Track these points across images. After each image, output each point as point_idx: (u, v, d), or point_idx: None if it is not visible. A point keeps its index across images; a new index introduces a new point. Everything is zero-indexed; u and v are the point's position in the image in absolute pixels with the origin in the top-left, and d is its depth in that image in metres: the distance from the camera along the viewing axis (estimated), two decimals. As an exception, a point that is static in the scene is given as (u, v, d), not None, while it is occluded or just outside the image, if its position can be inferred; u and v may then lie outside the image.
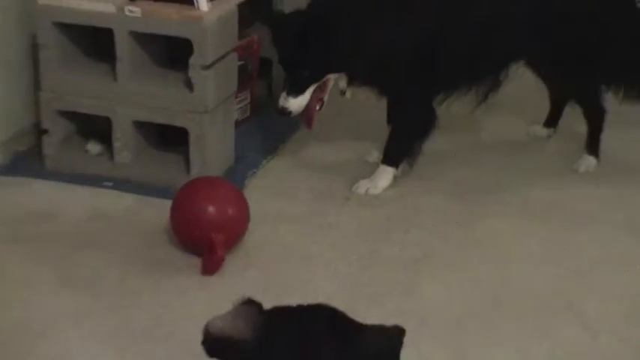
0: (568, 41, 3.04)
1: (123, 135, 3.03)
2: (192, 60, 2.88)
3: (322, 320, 1.45)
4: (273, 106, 3.01)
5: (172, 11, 2.88)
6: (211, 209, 2.62)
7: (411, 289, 2.57)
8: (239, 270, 2.61)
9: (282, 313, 1.45)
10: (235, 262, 2.64)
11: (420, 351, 2.21)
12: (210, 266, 2.58)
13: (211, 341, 1.40)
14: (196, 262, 2.61)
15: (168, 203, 2.69)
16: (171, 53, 3.08)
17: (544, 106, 3.46)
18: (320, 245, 2.77)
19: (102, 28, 2.94)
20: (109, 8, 2.91)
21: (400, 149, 3.11)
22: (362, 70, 2.94)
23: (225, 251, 2.60)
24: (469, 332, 2.39)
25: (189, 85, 2.92)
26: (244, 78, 3.28)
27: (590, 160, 3.26)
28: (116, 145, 3.04)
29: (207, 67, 2.90)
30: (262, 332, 1.39)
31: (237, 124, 3.23)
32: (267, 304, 1.46)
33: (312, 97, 2.91)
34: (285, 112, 2.91)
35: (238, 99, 3.29)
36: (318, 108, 2.98)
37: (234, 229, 2.67)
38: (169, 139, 3.12)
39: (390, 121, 3.18)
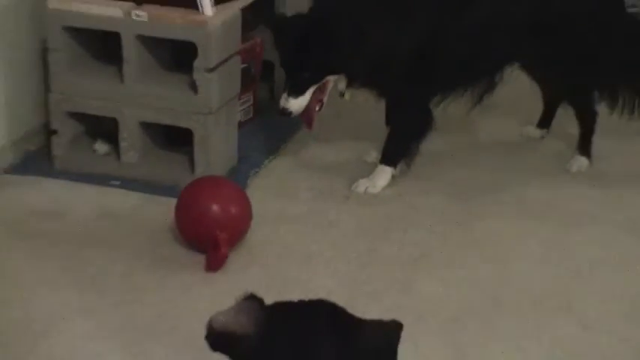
0: (561, 45, 3.03)
1: (129, 135, 3.03)
2: (196, 63, 2.88)
3: (322, 315, 1.44)
4: (275, 107, 3.00)
5: (178, 16, 2.88)
6: (215, 208, 2.62)
7: (408, 287, 2.57)
8: (242, 267, 2.61)
9: (284, 308, 1.45)
10: (238, 259, 2.64)
11: (417, 345, 2.21)
12: (214, 263, 2.58)
13: (214, 336, 1.40)
14: (200, 259, 2.61)
15: (173, 202, 2.69)
16: (177, 56, 3.08)
17: (537, 108, 3.45)
18: (320, 243, 2.76)
19: (110, 32, 2.94)
20: (117, 13, 2.91)
21: (398, 149, 3.11)
22: (361, 72, 2.94)
23: (229, 249, 2.60)
24: (466, 329, 2.39)
25: (193, 87, 2.92)
26: (247, 80, 3.28)
27: (582, 161, 3.26)
28: (123, 145, 3.04)
29: (212, 70, 2.90)
30: (264, 327, 1.39)
31: (241, 125, 3.23)
32: (269, 300, 1.46)
33: (312, 98, 2.91)
34: (285, 113, 2.91)
35: (241, 101, 3.28)
36: (317, 109, 2.98)
37: (238, 227, 2.66)
38: (175, 139, 3.12)
39: (388, 122, 3.18)
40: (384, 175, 3.09)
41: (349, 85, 3.00)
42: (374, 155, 3.19)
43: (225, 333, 1.39)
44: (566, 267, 2.69)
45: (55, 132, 3.09)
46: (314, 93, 2.91)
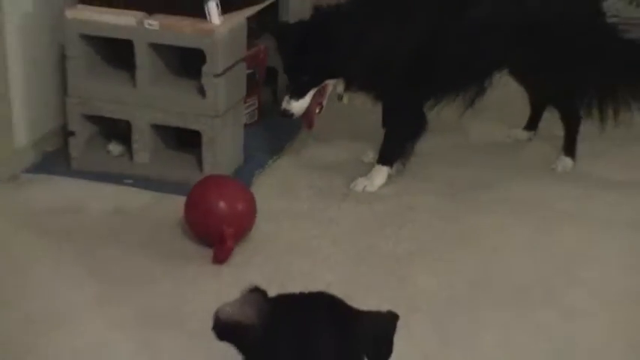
0: (547, 52, 3.02)
1: (141, 137, 3.02)
2: (204, 69, 2.88)
3: (322, 307, 1.45)
4: (278, 110, 3.01)
5: (187, 24, 2.88)
6: (222, 204, 2.62)
7: (404, 280, 2.56)
8: (247, 260, 2.61)
9: (286, 300, 1.45)
10: (243, 253, 2.63)
11: (411, 335, 2.21)
12: (221, 256, 2.58)
13: (221, 326, 1.40)
14: (208, 252, 2.60)
15: (182, 199, 2.69)
16: (186, 62, 3.07)
17: (525, 112, 3.45)
18: (320, 239, 2.76)
19: (123, 40, 2.94)
20: (130, 22, 2.91)
21: (394, 150, 3.10)
22: (358, 77, 2.95)
23: (235, 243, 2.60)
24: (457, 319, 2.39)
25: (201, 91, 2.92)
26: (252, 85, 3.28)
27: (566, 161, 3.25)
28: (135, 146, 3.04)
29: (219, 75, 2.89)
30: (268, 318, 1.39)
31: (246, 127, 3.22)
32: (272, 292, 1.46)
33: (312, 100, 2.92)
34: (287, 114, 2.92)
35: (247, 104, 3.28)
36: (317, 111, 2.99)
37: (243, 223, 2.66)
38: (184, 140, 3.11)
39: (384, 124, 3.17)
40: (381, 174, 3.09)
41: (347, 88, 3.01)
42: (371, 155, 3.19)
43: (231, 323, 1.39)
44: (550, 261, 2.69)
45: (72, 134, 3.08)
46: (314, 96, 2.92)
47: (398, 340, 1.44)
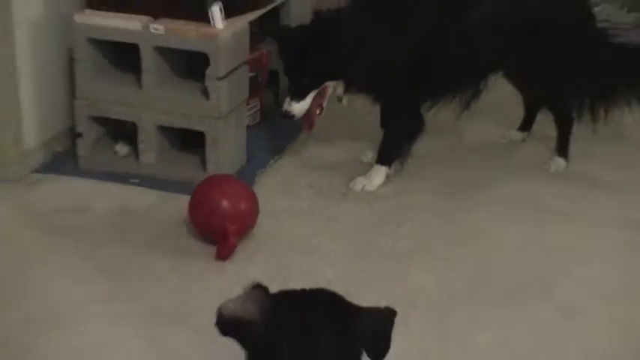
0: (540, 56, 3.02)
1: (147, 138, 3.02)
2: (208, 71, 2.87)
3: (323, 303, 1.44)
4: (279, 112, 3.00)
5: (191, 29, 2.88)
6: (225, 203, 2.62)
7: (402, 276, 2.55)
8: (249, 257, 2.60)
9: (288, 296, 1.45)
10: (246, 250, 2.63)
11: (410, 331, 2.20)
12: (224, 253, 2.57)
13: (224, 322, 1.40)
14: (212, 249, 2.60)
15: (187, 198, 2.68)
16: (190, 65, 3.07)
17: (519, 113, 3.44)
18: (321, 237, 2.75)
19: (130, 44, 2.93)
20: (136, 26, 2.90)
21: (392, 150, 3.10)
22: (357, 79, 2.95)
23: (237, 240, 2.59)
24: (453, 315, 2.38)
25: (205, 93, 2.91)
26: (254, 88, 3.27)
27: (559, 162, 3.25)
28: (141, 146, 3.03)
29: (222, 78, 2.89)
30: (269, 313, 1.39)
31: (248, 128, 3.22)
32: (274, 289, 1.45)
33: (312, 102, 2.91)
34: (288, 116, 2.92)
35: (249, 106, 3.27)
36: (318, 112, 2.98)
37: (246, 221, 2.66)
38: (188, 141, 3.11)
39: (382, 125, 3.17)
40: (380, 173, 3.08)
41: (347, 91, 3.00)
42: (370, 156, 3.18)
43: (233, 319, 1.39)
44: (544, 258, 2.68)
45: (80, 135, 3.08)
46: (314, 98, 2.91)
47: (396, 336, 1.44)
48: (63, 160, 3.14)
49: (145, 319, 2.32)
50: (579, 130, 3.23)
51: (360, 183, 3.06)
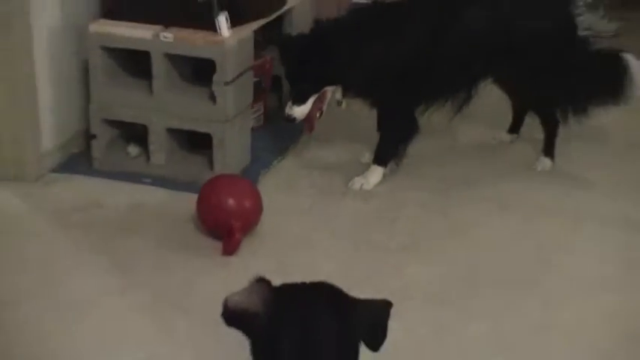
0: (527, 64, 3.01)
1: (157, 139, 3.00)
2: (215, 77, 2.86)
3: (323, 295, 1.43)
4: (282, 114, 2.99)
5: (199, 37, 2.87)
6: (231, 201, 2.60)
7: (398, 270, 2.54)
8: (253, 252, 2.59)
9: (289, 289, 1.44)
10: (250, 245, 2.61)
11: (404, 321, 2.18)
12: (230, 248, 2.56)
13: (229, 313, 1.39)
14: (218, 245, 2.58)
15: (195, 196, 2.67)
16: (198, 71, 3.06)
17: (508, 116, 3.43)
18: (321, 233, 2.74)
19: (141, 51, 2.92)
20: (147, 35, 2.89)
21: (388, 151, 3.08)
22: (355, 84, 2.94)
23: (242, 236, 2.58)
24: (446, 307, 2.37)
25: (212, 98, 2.90)
26: (259, 92, 3.26)
27: (546, 162, 3.23)
28: (152, 148, 3.02)
29: (228, 83, 2.88)
30: (272, 306, 1.38)
31: (253, 130, 3.20)
32: (277, 282, 1.44)
33: (313, 106, 2.90)
34: (290, 119, 2.91)
35: (253, 110, 3.26)
36: (318, 116, 2.97)
37: (250, 218, 2.64)
38: (196, 143, 3.10)
39: (379, 127, 3.15)
40: (377, 173, 3.07)
41: (345, 95, 3.00)
42: (367, 156, 3.17)
43: (238, 311, 1.38)
44: (532, 252, 2.67)
45: (94, 137, 3.07)
46: (314, 102, 2.90)
47: (392, 326, 1.42)
48: (78, 160, 3.13)
49: (155, 309, 2.31)
50: (564, 132, 3.22)
51: (358, 182, 3.04)
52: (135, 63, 3.04)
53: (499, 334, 2.27)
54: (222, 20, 2.85)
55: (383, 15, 2.95)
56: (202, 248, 2.60)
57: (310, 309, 1.39)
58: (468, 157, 3.31)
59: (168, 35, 2.88)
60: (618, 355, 2.22)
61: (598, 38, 3.40)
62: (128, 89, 3.03)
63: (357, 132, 3.39)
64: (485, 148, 3.39)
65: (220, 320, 1.39)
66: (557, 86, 3.09)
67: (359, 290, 1.45)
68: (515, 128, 3.44)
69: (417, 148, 3.14)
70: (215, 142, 2.94)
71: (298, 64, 2.87)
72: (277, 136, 3.34)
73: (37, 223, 2.74)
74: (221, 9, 2.86)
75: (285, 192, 3.00)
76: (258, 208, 2.68)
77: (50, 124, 3.06)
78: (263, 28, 3.13)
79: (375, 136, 3.12)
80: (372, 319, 1.42)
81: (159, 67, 2.92)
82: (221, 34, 2.86)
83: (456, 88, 3.08)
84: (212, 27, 2.85)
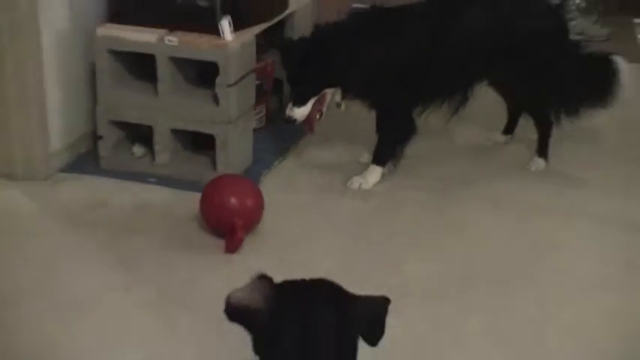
0: (521, 68, 3.00)
1: (162, 140, 2.99)
2: (218, 80, 2.85)
3: (323, 292, 1.43)
4: (283, 116, 2.98)
5: (203, 40, 2.85)
6: (233, 200, 2.59)
7: (396, 267, 2.53)
8: (255, 250, 2.58)
9: (290, 286, 1.43)
10: (252, 243, 2.60)
11: (402, 317, 2.16)
12: (232, 246, 2.55)
13: (232, 309, 1.39)
14: (221, 243, 2.57)
15: (198, 195, 2.66)
16: (202, 74, 3.05)
17: (502, 118, 3.42)
18: (321, 231, 2.73)
19: (147, 54, 2.91)
20: (152, 38, 2.88)
21: (387, 152, 3.07)
22: (354, 87, 2.93)
23: (244, 234, 2.57)
24: (443, 303, 2.36)
25: (216, 100, 2.89)
26: (260, 94, 3.25)
27: (539, 162, 3.22)
28: (157, 148, 3.01)
29: (231, 86, 2.86)
30: (273, 302, 1.37)
31: (255, 131, 3.19)
32: (278, 278, 1.43)
33: (312, 108, 2.89)
34: (291, 120, 2.90)
35: (256, 111, 3.25)
36: (318, 117, 2.96)
37: (252, 217, 2.63)
38: (200, 143, 3.09)
39: (377, 129, 3.14)
40: (375, 173, 3.06)
41: (344, 97, 2.98)
42: (366, 156, 3.16)
43: (240, 307, 1.37)
44: (526, 249, 2.66)
45: (101, 137, 3.06)
46: (314, 104, 2.89)
47: (391, 322, 1.41)
48: (85, 160, 3.12)
49: (159, 305, 2.30)
50: (557, 133, 3.21)
51: (357, 182, 3.03)
52: (140, 66, 3.03)
53: (496, 330, 2.25)
54: (226, 24, 2.84)
55: (381, 20, 2.94)
56: (205, 246, 2.59)
57: (310, 305, 1.38)
58: (464, 158, 3.30)
59: (172, 39, 2.87)
60: (608, 344, 2.21)
61: (590, 42, 3.39)
62: (134, 91, 3.02)
63: (355, 133, 3.38)
64: (481, 149, 3.38)
65: (223, 316, 1.38)
66: (550, 88, 3.08)
67: (358, 287, 1.44)
68: (509, 129, 3.43)
69: (414, 148, 3.13)
70: (218, 142, 2.93)
71: (299, 67, 2.86)
72: (278, 137, 3.33)
73: (46, 221, 2.73)
74: (224, 13, 2.85)
75: (285, 191, 2.99)
76: (259, 207, 2.67)
77: (58, 125, 3.05)
78: (265, 32, 3.12)
79: (373, 137, 3.11)
80: (370, 315, 1.42)
81: (164, 70, 2.90)
82: (224, 38, 2.85)
83: (452, 90, 3.07)
84: (215, 31, 2.85)
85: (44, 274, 2.43)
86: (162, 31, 2.89)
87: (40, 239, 2.62)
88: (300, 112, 2.89)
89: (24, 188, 2.91)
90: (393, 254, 2.61)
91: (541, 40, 2.99)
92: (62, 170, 3.05)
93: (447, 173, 3.15)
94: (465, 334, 2.24)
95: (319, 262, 2.52)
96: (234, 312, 1.38)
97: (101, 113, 3.03)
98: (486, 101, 3.27)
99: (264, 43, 3.23)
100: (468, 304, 2.35)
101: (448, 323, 2.27)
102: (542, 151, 3.23)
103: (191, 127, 2.98)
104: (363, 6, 3.04)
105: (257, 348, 1.38)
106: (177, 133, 3.02)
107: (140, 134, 3.10)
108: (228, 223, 2.54)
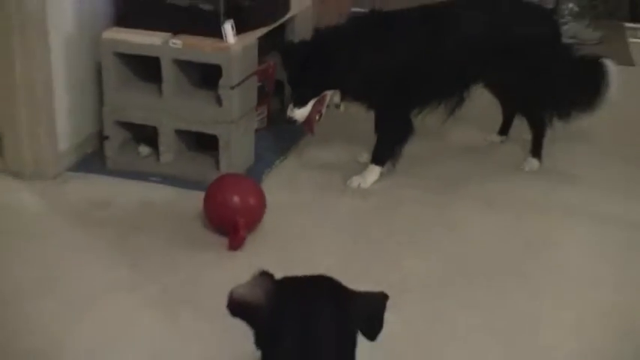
0: (516, 71, 2.99)
1: (167, 140, 2.99)
2: (221, 81, 2.84)
3: (323, 288, 1.43)
4: (284, 116, 2.97)
5: (206, 43, 2.84)
6: (236, 199, 2.58)
7: (394, 264, 2.52)
8: (257, 247, 2.57)
9: (291, 282, 1.43)
10: (254, 241, 2.59)
11: (401, 312, 2.16)
12: (235, 244, 2.54)
13: (234, 305, 1.38)
14: (224, 240, 2.56)
15: (202, 194, 2.65)
16: (205, 76, 3.04)
17: (497, 119, 3.41)
18: (321, 228, 2.72)
19: (151, 57, 2.90)
20: (157, 41, 2.87)
21: (385, 152, 3.06)
22: (353, 88, 2.92)
23: (247, 232, 2.56)
24: (441, 298, 2.35)
25: (219, 101, 2.88)
26: (262, 96, 3.24)
27: (533, 162, 3.22)
28: (161, 148, 3.00)
29: (233, 87, 2.85)
30: (275, 298, 1.37)
31: (257, 132, 3.18)
32: (279, 275, 1.42)
33: (312, 109, 2.88)
34: (291, 121, 2.89)
35: (257, 112, 3.24)
36: (317, 118, 2.95)
37: (254, 215, 2.62)
38: (203, 143, 3.08)
39: (376, 129, 3.13)
40: (374, 172, 3.05)
41: (343, 99, 2.98)
42: (365, 156, 3.15)
43: (242, 303, 1.37)
44: (521, 245, 2.65)
45: (107, 138, 3.05)
46: (314, 105, 2.88)
47: (390, 318, 1.40)
48: (92, 160, 3.11)
49: (164, 301, 2.29)
50: (550, 133, 3.20)
51: (356, 181, 3.03)
52: (145, 68, 3.02)
53: (494, 326, 2.24)
54: (228, 28, 2.84)
55: (380, 24, 2.93)
56: (209, 244, 2.58)
57: (311, 301, 1.38)
58: (461, 157, 3.29)
59: (177, 42, 2.86)
60: (602, 335, 2.21)
61: (583, 45, 3.39)
62: (139, 93, 3.01)
63: (354, 133, 3.37)
64: (477, 149, 3.37)
65: (226, 312, 1.38)
66: (543, 90, 3.08)
67: (358, 283, 1.43)
68: (504, 130, 3.42)
69: (412, 148, 3.12)
70: (221, 143, 2.92)
71: (299, 69, 2.85)
72: (280, 137, 3.32)
73: (53, 219, 2.72)
74: (227, 17, 2.84)
75: (287, 190, 2.98)
76: (261, 206, 2.66)
77: (66, 125, 3.04)
78: (266, 35, 3.11)
79: (372, 138, 3.10)
80: (369, 311, 1.41)
81: (168, 72, 2.90)
82: (227, 41, 2.84)
83: (448, 92, 3.06)
84: (219, 34, 2.84)
85: (50, 271, 2.42)
86: (166, 35, 2.88)
87: (47, 237, 2.61)
88: (300, 113, 2.88)
89: (32, 187, 2.90)
90: (392, 251, 2.60)
91: (536, 43, 2.99)
92: (69, 170, 3.04)
93: (444, 172, 3.14)
94: (463, 330, 2.23)
95: (319, 259, 2.51)
96: (236, 307, 1.37)
97: (107, 114, 3.02)
98: (482, 103, 3.26)
99: (265, 45, 3.21)
100: (466, 300, 2.34)
101: (446, 319, 2.26)
102: (536, 151, 3.22)
103: (195, 128, 2.97)
104: (362, 10, 3.03)
105: (259, 343, 1.38)
106: (182, 134, 3.01)
107: (145, 135, 3.09)
108: (231, 221, 2.53)
